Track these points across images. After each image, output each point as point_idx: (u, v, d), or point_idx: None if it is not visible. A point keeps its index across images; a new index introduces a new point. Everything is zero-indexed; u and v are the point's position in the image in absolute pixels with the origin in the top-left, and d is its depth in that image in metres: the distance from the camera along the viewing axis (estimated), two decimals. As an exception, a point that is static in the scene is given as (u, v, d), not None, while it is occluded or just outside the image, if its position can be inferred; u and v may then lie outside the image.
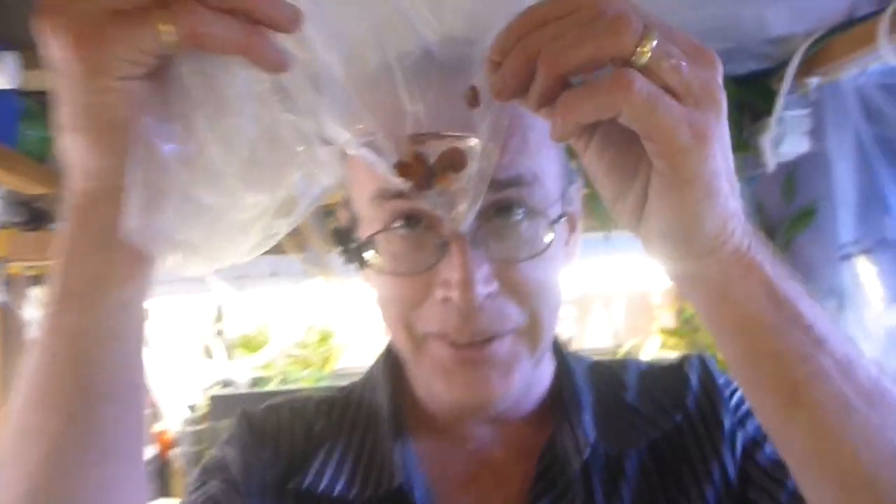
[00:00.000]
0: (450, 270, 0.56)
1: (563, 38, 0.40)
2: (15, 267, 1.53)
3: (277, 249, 1.73)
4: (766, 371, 0.46)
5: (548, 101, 0.42)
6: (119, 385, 0.45)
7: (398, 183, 0.49)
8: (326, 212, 1.50)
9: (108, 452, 0.44)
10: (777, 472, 0.63)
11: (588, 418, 0.67)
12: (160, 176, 0.40)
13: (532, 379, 0.66)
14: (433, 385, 0.63)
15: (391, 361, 0.73)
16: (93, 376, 0.44)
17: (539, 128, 0.59)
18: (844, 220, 1.61)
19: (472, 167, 0.49)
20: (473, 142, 0.48)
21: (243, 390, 1.77)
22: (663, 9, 1.33)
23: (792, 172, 1.81)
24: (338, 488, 0.64)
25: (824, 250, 1.72)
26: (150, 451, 1.81)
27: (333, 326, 2.07)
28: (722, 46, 1.53)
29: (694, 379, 0.72)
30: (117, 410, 0.45)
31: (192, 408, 1.75)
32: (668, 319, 2.12)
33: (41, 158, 1.30)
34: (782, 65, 1.54)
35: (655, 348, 1.92)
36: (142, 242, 0.41)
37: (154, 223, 0.40)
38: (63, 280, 0.44)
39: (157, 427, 1.80)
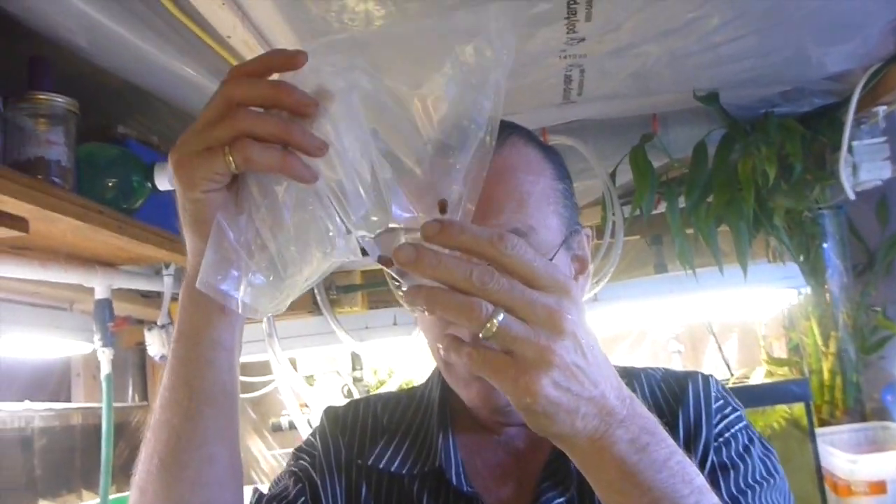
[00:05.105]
0: None
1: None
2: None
3: (398, 302, 1.98)
4: None
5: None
6: (215, 392, 0.65)
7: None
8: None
9: (208, 437, 0.65)
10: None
11: None
12: (228, 252, 0.58)
13: None
14: (459, 392, 0.81)
15: None
16: (197, 387, 0.65)
17: (538, 192, 0.75)
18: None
19: None
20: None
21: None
22: (729, 58, 1.43)
23: (884, 197, 1.84)
24: (393, 466, 0.83)
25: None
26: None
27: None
28: (782, 89, 1.64)
29: (691, 393, 0.82)
30: (214, 409, 0.66)
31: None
32: (778, 349, 2.15)
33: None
34: (849, 98, 1.62)
35: (761, 377, 1.96)
36: (209, 293, 0.58)
37: (219, 282, 0.58)
38: (179, 325, 0.66)
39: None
